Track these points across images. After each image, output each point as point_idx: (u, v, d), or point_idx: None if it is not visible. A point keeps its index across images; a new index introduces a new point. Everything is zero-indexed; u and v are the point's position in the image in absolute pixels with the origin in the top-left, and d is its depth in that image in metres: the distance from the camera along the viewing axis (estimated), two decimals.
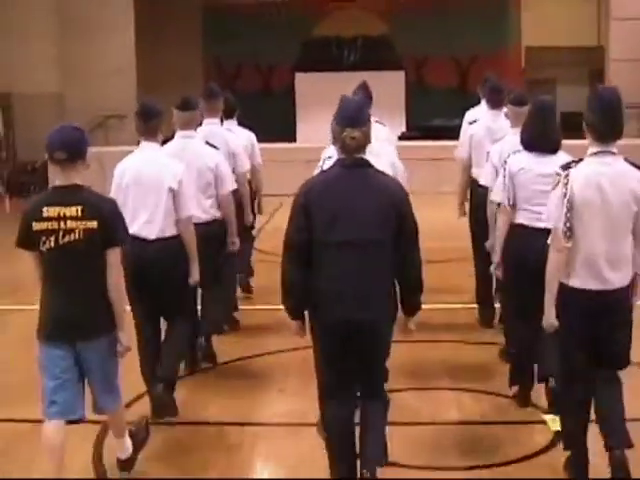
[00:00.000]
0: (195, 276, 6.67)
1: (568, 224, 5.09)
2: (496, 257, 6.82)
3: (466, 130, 9.11)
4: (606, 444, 5.23)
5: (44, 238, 5.04)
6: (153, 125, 6.55)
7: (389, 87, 24.09)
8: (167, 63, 24.86)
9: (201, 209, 7.35)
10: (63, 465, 5.25)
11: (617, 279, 5.15)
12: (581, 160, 5.23)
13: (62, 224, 5.02)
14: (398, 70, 25.45)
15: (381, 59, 25.78)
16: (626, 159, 5.23)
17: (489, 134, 8.49)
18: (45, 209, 5.04)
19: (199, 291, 7.51)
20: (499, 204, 6.81)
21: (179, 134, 7.47)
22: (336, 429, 5.24)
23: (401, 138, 22.89)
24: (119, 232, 5.23)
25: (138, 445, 5.84)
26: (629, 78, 21.91)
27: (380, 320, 5.10)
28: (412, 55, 26.25)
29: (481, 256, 8.43)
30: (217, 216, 7.62)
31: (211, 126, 8.53)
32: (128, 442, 5.71)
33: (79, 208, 5.03)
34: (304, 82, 25.40)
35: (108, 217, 5.14)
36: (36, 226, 5.05)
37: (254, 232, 10.29)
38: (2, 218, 18.68)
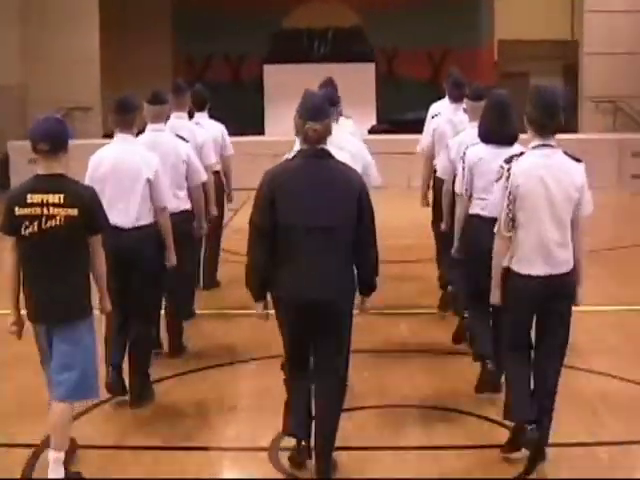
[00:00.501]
0: (172, 259, 6.99)
1: (510, 214, 5.52)
2: (456, 242, 7.19)
3: (429, 123, 9.43)
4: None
5: (27, 222, 5.31)
6: (129, 118, 6.84)
7: (360, 79, 23.86)
8: (134, 54, 24.36)
9: (175, 200, 7.53)
10: (66, 436, 5.49)
11: (564, 262, 5.54)
12: (523, 154, 5.63)
13: (45, 210, 5.30)
14: (369, 62, 25.02)
15: (352, 51, 25.42)
16: (565, 152, 5.59)
17: (451, 127, 8.78)
18: (29, 196, 5.32)
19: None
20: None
21: (149, 127, 7.73)
22: (295, 394, 5.66)
23: (371, 131, 22.58)
24: (99, 219, 5.52)
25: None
26: (603, 72, 21.74)
27: (340, 300, 5.43)
28: (384, 47, 25.94)
29: (439, 239, 8.95)
30: (187, 208, 7.88)
31: (179, 120, 8.82)
32: (61, 461, 5.46)
33: (61, 196, 5.31)
34: (273, 74, 24.94)
35: (88, 205, 5.42)
36: (19, 211, 5.33)
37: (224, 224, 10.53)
38: None
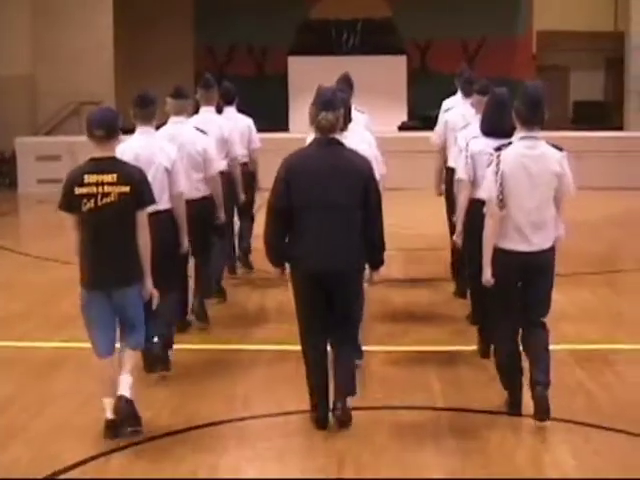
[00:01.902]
0: (184, 245, 7.55)
1: (500, 196, 6.17)
2: (458, 227, 7.73)
3: (442, 116, 10.05)
4: (531, 381, 6.20)
5: (85, 200, 5.96)
6: (149, 111, 7.37)
7: (390, 73, 23.24)
8: (151, 44, 23.48)
9: (194, 188, 8.09)
10: (114, 388, 6.03)
11: (541, 242, 6.22)
12: (510, 143, 6.29)
13: (100, 189, 5.96)
14: (400, 55, 24.07)
15: (382, 43, 24.53)
16: (547, 142, 6.25)
17: (462, 120, 9.16)
18: (86, 176, 5.98)
19: (190, 262, 8.25)
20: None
21: (172, 120, 8.30)
22: (312, 359, 6.21)
23: (401, 128, 21.40)
24: (147, 195, 6.17)
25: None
26: None
27: (349, 271, 6.06)
28: (416, 39, 25.10)
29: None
30: (207, 194, 8.40)
31: (207, 114, 9.48)
32: (131, 380, 6.14)
33: (115, 175, 5.99)
34: (298, 66, 23.90)
35: (139, 183, 6.10)
36: (78, 190, 5.97)
37: (255, 209, 10.85)
38: None
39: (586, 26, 24.73)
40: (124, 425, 6.01)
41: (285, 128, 21.63)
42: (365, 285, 6.37)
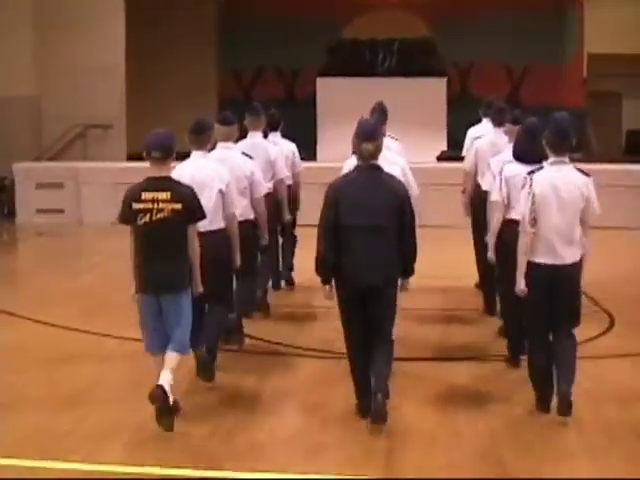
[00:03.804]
0: (237, 262, 8.11)
1: (532, 215, 6.99)
2: (491, 246, 8.32)
3: (472, 145, 10.71)
4: (558, 381, 6.90)
5: (141, 215, 6.74)
6: (204, 137, 7.95)
7: (429, 96, 22.17)
8: (168, 63, 22.29)
9: (240, 210, 8.48)
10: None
11: (569, 256, 7.00)
12: (542, 168, 7.09)
13: (155, 205, 6.73)
14: (440, 77, 23.02)
15: (421, 64, 23.60)
16: (575, 167, 7.07)
17: (492, 148, 9.83)
18: (143, 194, 6.76)
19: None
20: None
21: (220, 145, 8.78)
22: (356, 359, 7.01)
23: (440, 158, 20.02)
24: (197, 212, 6.92)
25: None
26: None
27: (387, 285, 6.88)
28: (457, 61, 23.94)
29: (481, 245, 9.58)
30: (251, 217, 8.89)
31: (254, 139, 10.16)
32: (171, 377, 6.69)
33: (168, 193, 6.75)
34: (328, 88, 22.87)
35: (190, 200, 6.85)
36: (135, 206, 6.75)
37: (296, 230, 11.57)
38: None
39: None
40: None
41: (312, 156, 20.13)
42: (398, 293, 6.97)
